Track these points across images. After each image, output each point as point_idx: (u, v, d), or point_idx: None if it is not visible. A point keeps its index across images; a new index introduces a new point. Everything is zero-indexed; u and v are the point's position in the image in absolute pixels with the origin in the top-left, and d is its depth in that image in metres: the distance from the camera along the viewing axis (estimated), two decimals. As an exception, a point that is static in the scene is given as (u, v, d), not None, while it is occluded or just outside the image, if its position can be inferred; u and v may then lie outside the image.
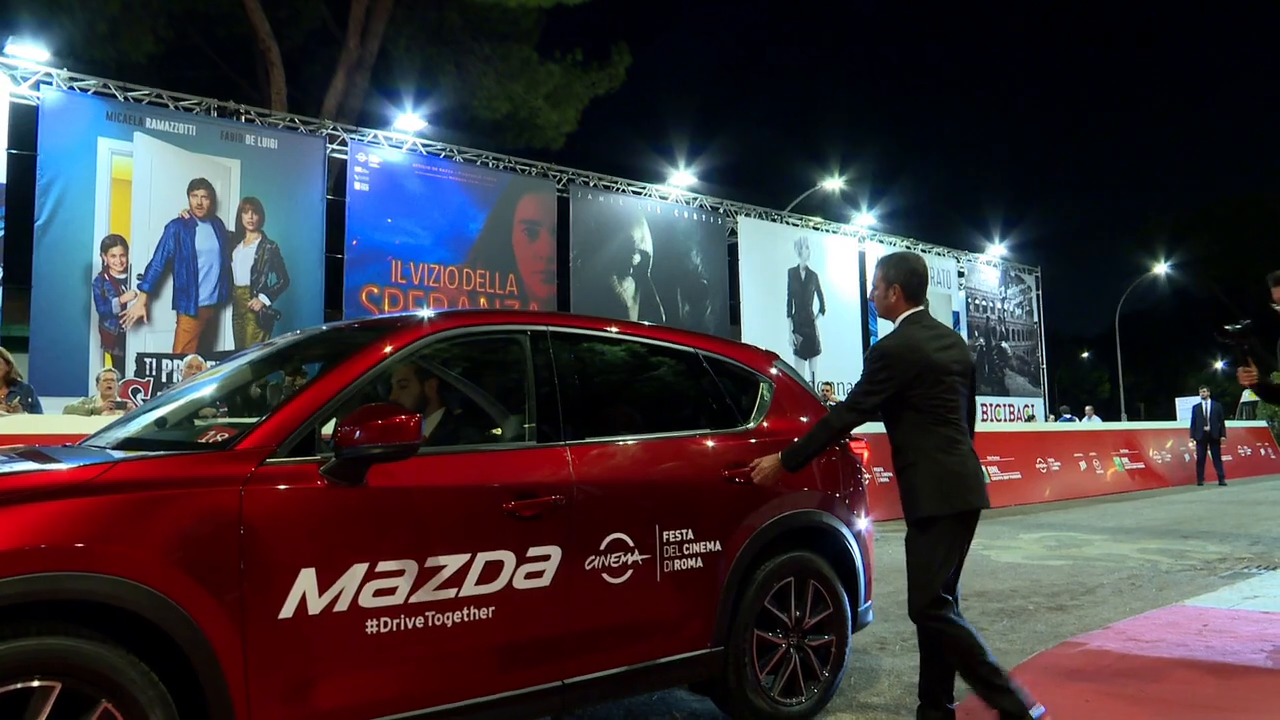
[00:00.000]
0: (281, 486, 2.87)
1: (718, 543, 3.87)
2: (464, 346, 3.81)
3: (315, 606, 2.85)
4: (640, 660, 3.63)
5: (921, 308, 4.11)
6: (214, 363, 6.15)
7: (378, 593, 2.97)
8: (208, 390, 3.95)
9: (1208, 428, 18.93)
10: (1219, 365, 55.65)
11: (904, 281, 4.09)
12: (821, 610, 4.18)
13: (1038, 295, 27.59)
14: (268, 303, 13.91)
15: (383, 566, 2.99)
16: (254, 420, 3.02)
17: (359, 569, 2.94)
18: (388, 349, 3.38)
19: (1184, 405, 29.76)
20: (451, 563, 3.16)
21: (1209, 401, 19.14)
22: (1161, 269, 38.23)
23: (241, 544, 2.74)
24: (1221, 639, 5.36)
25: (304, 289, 14.26)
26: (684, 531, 3.76)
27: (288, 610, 2.80)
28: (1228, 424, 19.84)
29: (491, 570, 3.25)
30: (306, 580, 2.84)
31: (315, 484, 2.93)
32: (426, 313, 3.74)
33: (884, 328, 23.28)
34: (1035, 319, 27.37)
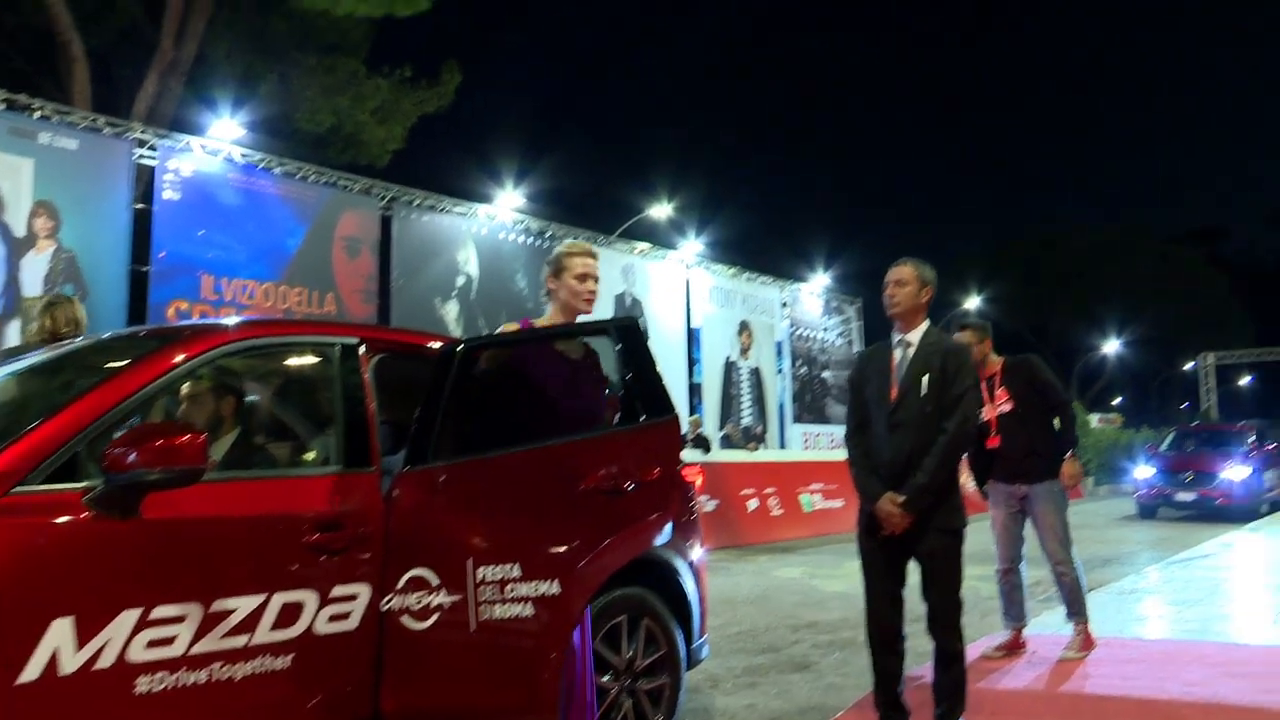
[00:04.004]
0: (33, 519, 2.43)
1: (552, 580, 3.29)
2: (266, 359, 3.42)
3: (70, 665, 2.41)
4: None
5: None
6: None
7: (152, 644, 2.55)
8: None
9: (1017, 456, 19.65)
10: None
11: (935, 288, 4.15)
12: (654, 650, 3.88)
13: (859, 325, 28.28)
14: (62, 316, 12.89)
15: (159, 612, 2.57)
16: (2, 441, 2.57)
17: (129, 616, 2.51)
18: (177, 358, 2.96)
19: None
20: (243, 605, 2.76)
21: (1018, 431, 19.86)
22: (973, 303, 39.88)
23: None
24: (1050, 667, 5.36)
25: (104, 302, 13.23)
26: (510, 567, 3.20)
27: (32, 672, 2.35)
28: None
29: (290, 613, 2.87)
30: (60, 633, 2.39)
31: (78, 516, 2.50)
32: (225, 320, 3.34)
33: (710, 355, 23.02)
34: (855, 349, 28.04)
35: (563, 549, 3.18)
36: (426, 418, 3.33)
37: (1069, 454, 5.61)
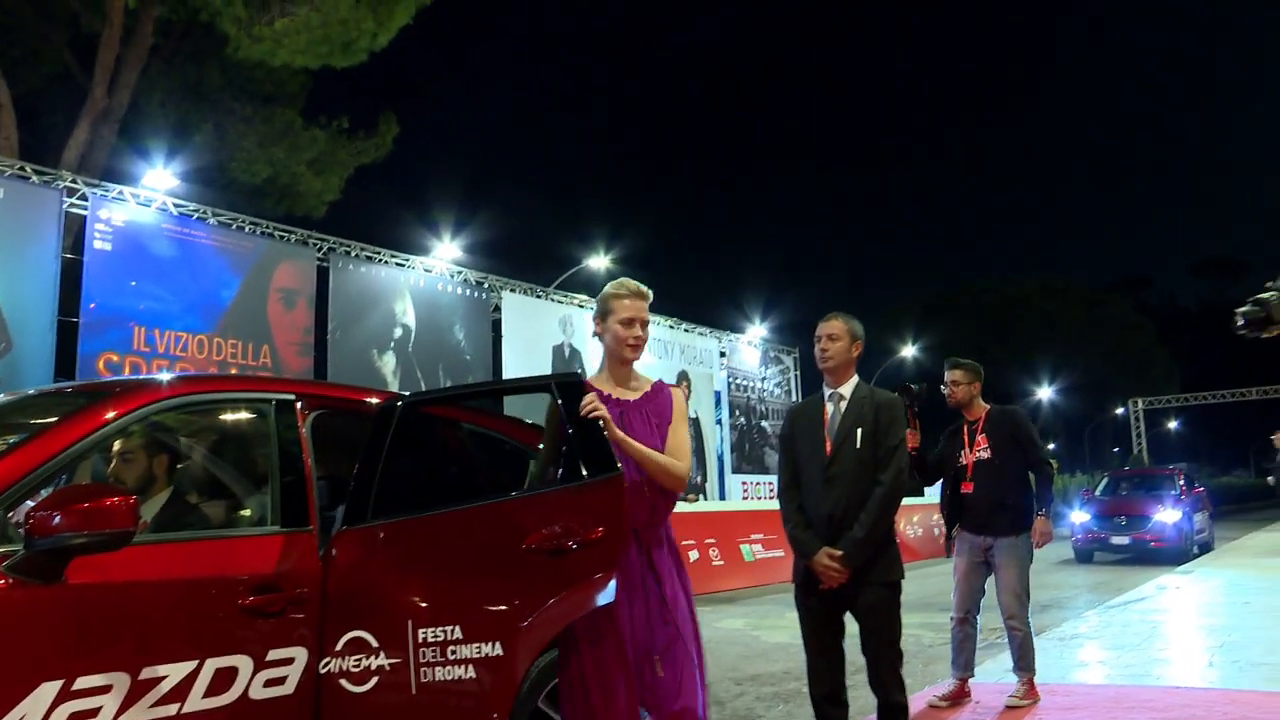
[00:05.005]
0: (-53, 588, 2.32)
1: (494, 642, 3.38)
2: (200, 416, 3.32)
3: (-19, 742, 2.29)
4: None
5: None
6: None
7: (74, 716, 2.43)
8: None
9: (954, 503, 19.93)
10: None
11: (864, 342, 4.22)
12: (600, 707, 3.83)
13: (796, 375, 28.45)
14: (-14, 369, 12.54)
15: (83, 683, 2.46)
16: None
17: (49, 689, 2.39)
18: (108, 415, 2.86)
19: (931, 482, 31.29)
20: (174, 672, 2.65)
21: (955, 478, 20.16)
22: (909, 351, 40.36)
23: None
24: (995, 716, 5.36)
25: (31, 354, 12.92)
26: (451, 629, 3.19)
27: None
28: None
29: (224, 679, 2.76)
30: (-29, 709, 2.27)
31: (-3, 583, 2.39)
32: (157, 376, 3.25)
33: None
34: (794, 398, 28.18)
35: (505, 609, 3.10)
36: (365, 475, 3.26)
37: (1043, 512, 5.60)
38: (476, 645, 3.01)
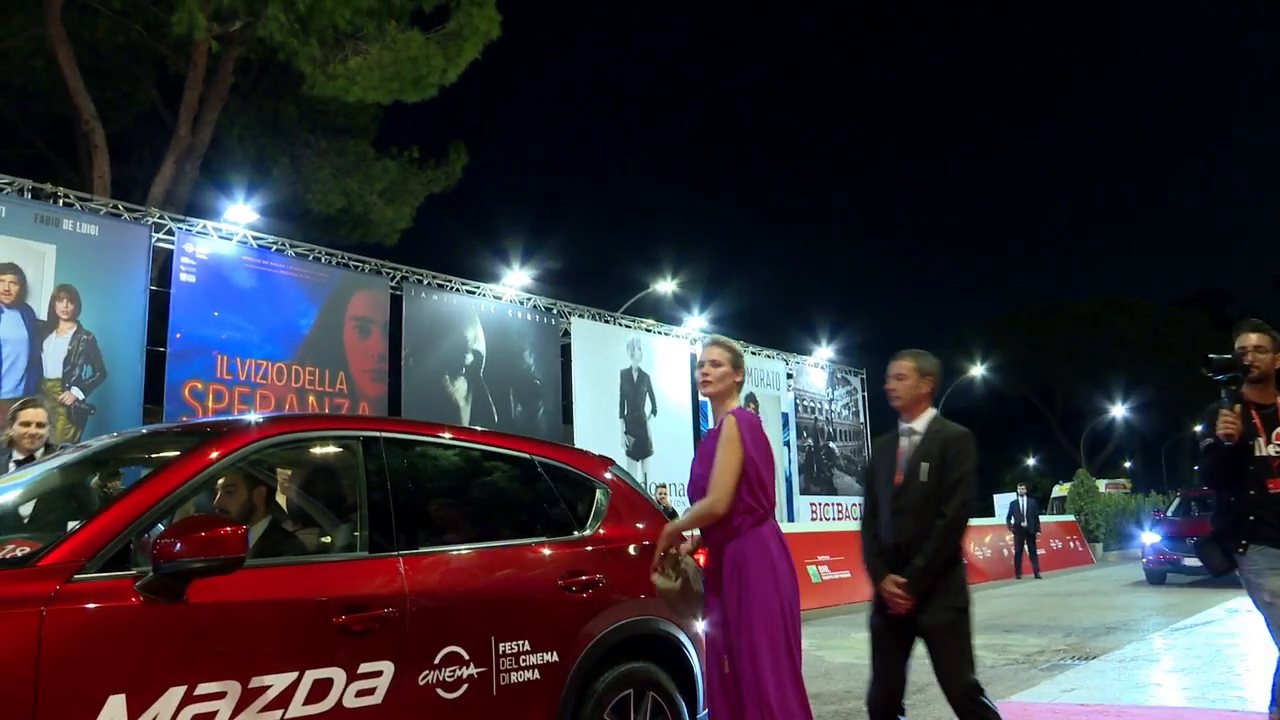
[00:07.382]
0: (90, 605, 2.67)
1: (556, 654, 3.75)
2: (293, 452, 3.67)
3: (122, 738, 2.63)
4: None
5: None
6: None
7: (195, 717, 2.77)
8: (12, 497, 3.67)
9: (1024, 523, 19.86)
10: (1030, 462, 58.33)
11: (937, 376, 4.40)
12: (661, 720, 4.11)
13: (864, 396, 28.44)
14: (81, 397, 13.14)
15: (202, 689, 2.80)
16: (61, 533, 2.82)
17: (176, 693, 2.74)
18: (214, 454, 3.22)
19: (1001, 502, 31.12)
20: (278, 682, 2.98)
21: (1025, 498, 20.10)
22: (977, 371, 40.08)
23: (39, 671, 2.52)
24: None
25: (122, 383, 13.54)
26: (521, 643, 3.63)
27: (87, 746, 2.57)
28: (1041, 519, 20.82)
29: (320, 689, 3.09)
30: (115, 709, 2.62)
31: (130, 601, 2.74)
32: (254, 417, 3.60)
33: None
34: (861, 419, 28.19)
35: (557, 625, 3.80)
36: (442, 507, 3.65)
37: None
38: (541, 654, 3.68)
